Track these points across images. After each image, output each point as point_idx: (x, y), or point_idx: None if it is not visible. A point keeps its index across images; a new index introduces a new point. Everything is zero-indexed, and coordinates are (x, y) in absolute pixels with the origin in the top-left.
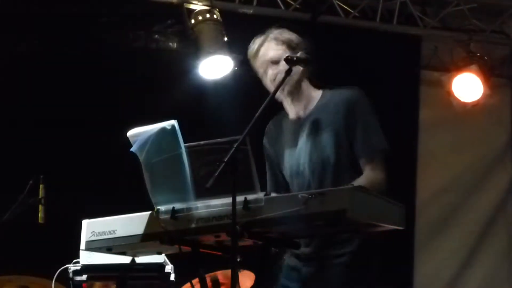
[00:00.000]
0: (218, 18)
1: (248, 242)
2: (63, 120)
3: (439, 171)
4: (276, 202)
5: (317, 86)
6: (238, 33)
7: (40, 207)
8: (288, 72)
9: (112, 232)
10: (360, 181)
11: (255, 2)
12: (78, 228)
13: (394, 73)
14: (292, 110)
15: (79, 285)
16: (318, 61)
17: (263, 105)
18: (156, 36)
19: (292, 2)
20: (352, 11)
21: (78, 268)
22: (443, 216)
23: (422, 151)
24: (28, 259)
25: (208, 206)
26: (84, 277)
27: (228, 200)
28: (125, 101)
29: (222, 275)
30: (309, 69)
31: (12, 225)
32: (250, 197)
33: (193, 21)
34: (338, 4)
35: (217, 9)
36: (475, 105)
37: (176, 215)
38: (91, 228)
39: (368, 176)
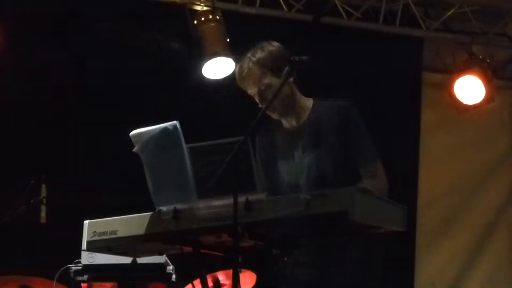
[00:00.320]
0: (221, 19)
1: (249, 242)
2: (64, 120)
3: (441, 172)
4: (277, 203)
5: (307, 95)
6: (240, 34)
7: (42, 207)
8: (289, 74)
9: (113, 232)
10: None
11: (257, 3)
12: (80, 228)
13: (396, 75)
14: (285, 121)
15: (81, 285)
16: (322, 65)
17: (265, 106)
18: (158, 36)
19: (294, 3)
20: (355, 13)
21: (80, 268)
22: (445, 218)
23: (424, 153)
24: (29, 259)
25: (210, 207)
26: (85, 277)
27: (230, 200)
28: (127, 102)
29: (224, 275)
30: (295, 79)
31: (14, 224)
32: (252, 197)
33: (195, 21)
34: (341, 6)
35: (220, 10)
36: (477, 107)
37: (177, 215)
38: (92, 228)
39: (368, 183)
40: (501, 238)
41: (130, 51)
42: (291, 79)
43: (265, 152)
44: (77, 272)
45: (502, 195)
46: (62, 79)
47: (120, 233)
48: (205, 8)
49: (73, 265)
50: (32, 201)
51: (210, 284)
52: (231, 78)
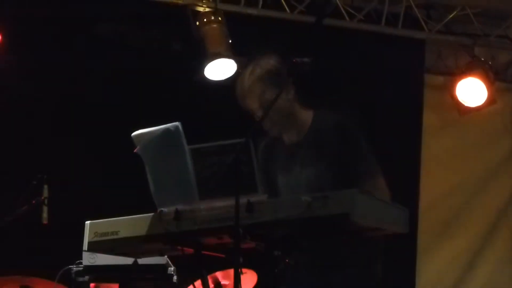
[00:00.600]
0: (223, 20)
1: (250, 244)
2: (66, 121)
3: (442, 175)
4: (279, 204)
5: (306, 105)
6: (243, 35)
7: (44, 208)
8: (293, 77)
9: (114, 233)
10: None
11: (260, 5)
12: (81, 229)
13: (398, 77)
14: (285, 136)
15: (82, 286)
16: (324, 67)
17: (267, 108)
18: (160, 37)
19: (297, 5)
20: (357, 15)
21: (81, 269)
22: (446, 220)
23: (426, 155)
24: (31, 259)
25: (211, 208)
26: (86, 278)
27: (231, 202)
28: (129, 103)
29: (225, 275)
30: (297, 91)
31: (16, 225)
32: (253, 199)
33: (198, 23)
34: (344, 7)
35: (222, 11)
36: (479, 109)
37: (179, 216)
38: (93, 229)
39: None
40: (503, 240)
41: (132, 52)
42: (292, 92)
43: (264, 167)
44: (78, 273)
45: (504, 197)
46: (63, 79)
47: (122, 234)
48: (207, 9)
49: (74, 265)
50: (34, 201)
51: (211, 285)
52: (233, 79)
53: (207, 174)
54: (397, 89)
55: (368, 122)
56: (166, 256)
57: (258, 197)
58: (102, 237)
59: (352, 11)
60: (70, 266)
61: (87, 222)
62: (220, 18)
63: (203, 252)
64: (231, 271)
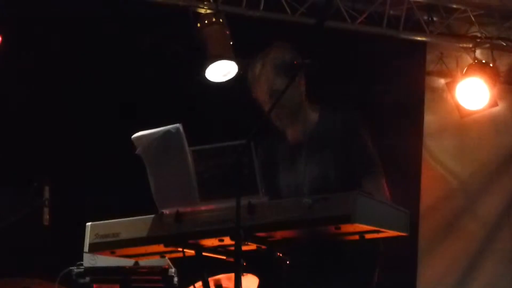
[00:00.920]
0: (224, 22)
1: (251, 246)
2: (67, 122)
3: (443, 176)
4: (280, 206)
5: (314, 104)
6: (244, 37)
7: (45, 209)
8: (293, 78)
9: (115, 234)
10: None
11: (261, 6)
12: (82, 231)
13: (399, 79)
14: (290, 133)
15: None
16: (326, 69)
17: (268, 109)
18: (162, 39)
19: (298, 7)
20: (359, 17)
21: (81, 270)
22: (447, 222)
23: (427, 157)
24: (32, 260)
25: (212, 210)
26: (87, 279)
27: (232, 203)
28: (131, 104)
29: (226, 278)
30: (307, 89)
31: (17, 227)
32: (254, 201)
33: (199, 24)
34: (345, 10)
35: (223, 13)
36: (480, 112)
37: (180, 218)
38: (94, 230)
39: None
40: (504, 242)
41: (133, 53)
42: (303, 88)
43: (266, 166)
44: (79, 274)
45: (505, 199)
46: (64, 81)
47: (122, 236)
48: (208, 11)
49: (75, 267)
50: (35, 203)
51: (212, 287)
52: (234, 81)
53: (208, 176)
54: (398, 91)
55: (369, 124)
56: (167, 258)
57: (259, 198)
58: (103, 239)
59: (354, 13)
60: (71, 268)
61: (88, 224)
62: (221, 20)
63: (204, 253)
64: (233, 274)
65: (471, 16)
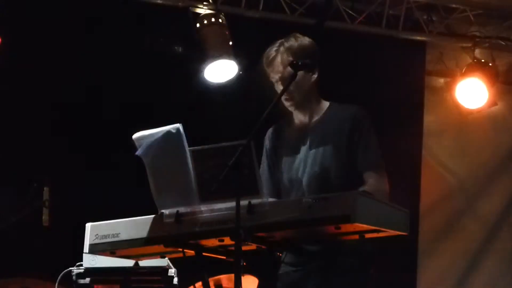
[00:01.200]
0: (224, 22)
1: (251, 246)
2: (67, 123)
3: (443, 176)
4: (280, 206)
5: (324, 97)
6: (243, 37)
7: (44, 210)
8: (293, 77)
9: (115, 235)
10: (363, 189)
11: (261, 7)
12: (82, 231)
13: (399, 79)
14: (297, 117)
15: None
16: (325, 69)
17: (267, 109)
18: (162, 39)
19: (297, 7)
20: (358, 17)
21: (82, 271)
22: (447, 222)
23: (426, 157)
24: (32, 261)
25: (212, 210)
26: (87, 280)
27: (232, 204)
28: (130, 104)
29: (226, 279)
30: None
31: (17, 227)
32: (254, 201)
33: (198, 24)
34: (344, 10)
35: (223, 13)
36: (479, 111)
37: (180, 218)
38: (94, 231)
39: (371, 185)
40: (504, 242)
41: (133, 54)
42: (315, 76)
43: (271, 153)
44: (79, 275)
45: (505, 199)
46: (64, 81)
47: (123, 236)
48: (208, 11)
49: (75, 267)
50: (34, 203)
51: (212, 287)
52: (234, 81)
53: (208, 176)
54: (398, 91)
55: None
56: (167, 258)
57: (260, 199)
58: (103, 239)
59: (353, 13)
60: (71, 268)
61: (88, 224)
62: (221, 20)
63: (204, 254)
64: (232, 275)
65: (471, 16)
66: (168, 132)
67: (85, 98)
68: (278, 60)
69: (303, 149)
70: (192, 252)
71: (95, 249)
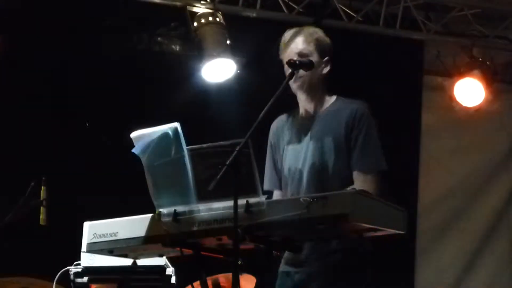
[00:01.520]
0: (221, 21)
1: (249, 245)
2: (65, 122)
3: (441, 175)
4: (277, 205)
5: (331, 92)
6: (241, 36)
7: (42, 209)
8: (290, 76)
9: (113, 234)
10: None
11: (258, 6)
12: (80, 230)
13: (397, 78)
14: (303, 106)
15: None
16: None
17: (265, 108)
18: (159, 38)
19: (295, 6)
20: (356, 16)
21: (79, 270)
22: (445, 220)
23: (424, 156)
24: (29, 261)
25: (210, 209)
26: (85, 279)
27: (230, 203)
28: (128, 104)
29: (224, 278)
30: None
31: (14, 227)
32: (252, 200)
33: (196, 24)
34: (342, 9)
35: (220, 12)
36: (477, 110)
37: (178, 217)
38: (92, 230)
39: (356, 186)
40: (502, 241)
41: (131, 53)
42: (327, 69)
43: (276, 142)
44: (77, 274)
45: (503, 197)
46: (63, 80)
47: (120, 235)
48: (205, 10)
49: (73, 267)
50: (32, 203)
51: (210, 286)
52: (232, 80)
53: (206, 175)
54: (396, 90)
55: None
56: (165, 257)
57: (257, 198)
58: (101, 238)
59: (350, 12)
60: (68, 267)
61: (86, 223)
62: (218, 19)
63: (202, 253)
64: (230, 274)
65: (468, 15)
66: (166, 131)
67: (83, 96)
68: (295, 41)
69: (305, 140)
70: (190, 251)
71: (93, 248)
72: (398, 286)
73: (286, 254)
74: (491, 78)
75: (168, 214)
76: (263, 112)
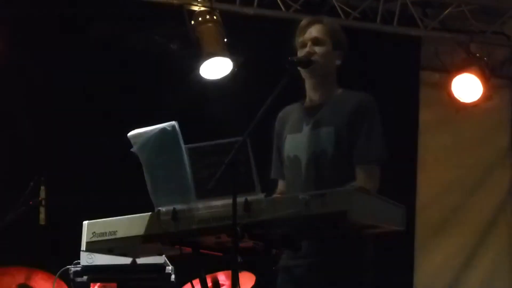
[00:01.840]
0: (219, 19)
1: (248, 243)
2: (64, 121)
3: (439, 172)
4: (276, 203)
5: (340, 85)
6: (238, 35)
7: (41, 209)
8: (289, 76)
9: (112, 233)
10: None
11: (255, 4)
12: (79, 229)
13: (394, 74)
14: (309, 95)
15: (81, 286)
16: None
17: (264, 107)
18: (157, 37)
19: (292, 4)
20: (353, 12)
21: (79, 269)
22: (444, 217)
23: (422, 152)
24: (29, 260)
25: (209, 207)
26: (84, 278)
27: (229, 201)
28: (126, 102)
29: (223, 276)
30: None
31: (13, 226)
32: (251, 198)
33: (193, 22)
34: (339, 5)
35: (218, 11)
36: (475, 106)
37: (177, 216)
38: (91, 229)
39: (359, 183)
40: (500, 237)
41: (129, 52)
42: (336, 62)
43: (280, 131)
44: (77, 273)
45: (501, 193)
46: (61, 80)
47: (120, 234)
48: (202, 9)
49: (72, 266)
50: (31, 202)
51: (209, 284)
52: (229, 79)
53: (204, 174)
54: (393, 86)
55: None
56: (164, 256)
57: (256, 196)
58: (100, 237)
59: (348, 9)
60: (68, 267)
61: (85, 222)
62: (215, 17)
63: (201, 251)
64: (230, 272)
65: (465, 11)
66: (164, 130)
67: (82, 96)
68: (312, 28)
69: (307, 129)
70: (189, 249)
71: (92, 247)
72: (397, 282)
73: (285, 250)
74: (489, 74)
75: (167, 213)
76: (262, 110)
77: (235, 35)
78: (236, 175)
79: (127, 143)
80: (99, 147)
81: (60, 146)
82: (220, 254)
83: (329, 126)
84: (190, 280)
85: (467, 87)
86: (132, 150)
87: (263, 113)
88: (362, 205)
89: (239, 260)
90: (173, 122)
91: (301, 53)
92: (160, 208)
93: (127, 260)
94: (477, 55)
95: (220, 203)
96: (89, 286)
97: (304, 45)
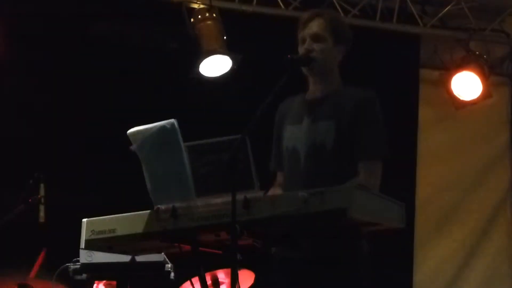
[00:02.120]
0: (218, 17)
1: (248, 241)
2: (63, 119)
3: (438, 169)
4: (276, 200)
5: (343, 80)
6: (237, 32)
7: (40, 206)
8: (288, 74)
9: (112, 231)
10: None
11: (254, 1)
12: (78, 227)
13: (393, 72)
14: (311, 88)
15: (80, 284)
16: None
17: (263, 105)
18: (156, 35)
19: (291, 1)
20: (352, 10)
21: (78, 267)
22: (443, 214)
23: (422, 150)
24: (28, 258)
25: (208, 205)
26: (84, 276)
27: (228, 198)
28: (125, 100)
29: (223, 273)
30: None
31: (13, 224)
32: (250, 195)
33: (192, 20)
34: (338, 3)
35: (217, 8)
36: (474, 103)
37: (176, 213)
38: (90, 226)
39: (361, 179)
40: (499, 235)
41: (127, 50)
42: (339, 57)
43: (280, 122)
44: (76, 271)
45: (500, 191)
46: (61, 78)
47: (119, 232)
48: (202, 6)
49: (71, 263)
50: (30, 200)
51: (209, 281)
52: (228, 76)
53: (203, 171)
54: (393, 84)
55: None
56: (163, 253)
57: (255, 193)
58: (99, 235)
59: (347, 6)
60: (67, 264)
61: (84, 220)
62: (214, 15)
63: (201, 249)
64: (229, 270)
65: (465, 8)
66: (163, 127)
67: (80, 94)
68: (313, 22)
69: (307, 121)
70: (189, 247)
71: (92, 245)
72: (396, 280)
73: (288, 253)
74: (488, 71)
75: (166, 210)
76: (261, 108)
77: (234, 32)
78: (235, 173)
79: (127, 140)
80: (98, 145)
81: (60, 144)
82: (220, 251)
83: (329, 120)
84: (189, 278)
85: (466, 85)
86: (131, 147)
87: (263, 111)
88: (361, 203)
89: (238, 257)
90: (173, 120)
91: (301, 49)
92: (159, 205)
93: (126, 258)
94: (477, 52)
95: (219, 201)
96: (88, 284)
97: (304, 41)
